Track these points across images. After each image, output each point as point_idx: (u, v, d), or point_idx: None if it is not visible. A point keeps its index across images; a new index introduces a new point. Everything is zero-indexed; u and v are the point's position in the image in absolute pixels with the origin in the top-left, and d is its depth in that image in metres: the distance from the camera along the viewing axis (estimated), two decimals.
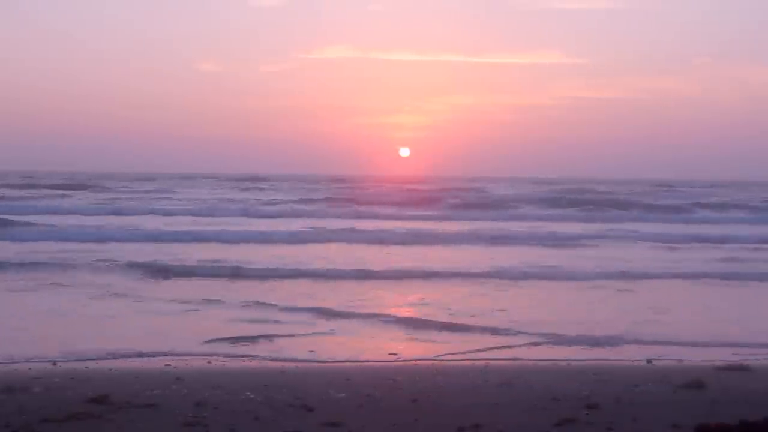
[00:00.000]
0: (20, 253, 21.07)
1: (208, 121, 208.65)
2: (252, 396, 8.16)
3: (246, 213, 39.70)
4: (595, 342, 11.68)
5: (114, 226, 29.55)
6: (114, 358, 10.21)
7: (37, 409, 7.42)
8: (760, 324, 13.72)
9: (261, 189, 69.38)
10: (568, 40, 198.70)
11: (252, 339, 11.51)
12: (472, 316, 13.61)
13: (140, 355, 10.42)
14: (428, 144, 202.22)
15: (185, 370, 9.53)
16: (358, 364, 10.18)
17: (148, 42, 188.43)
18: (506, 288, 17.17)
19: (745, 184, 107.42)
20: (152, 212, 38.75)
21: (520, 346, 11.39)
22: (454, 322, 13.00)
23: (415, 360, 10.52)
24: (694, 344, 11.66)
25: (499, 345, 11.43)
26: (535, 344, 11.52)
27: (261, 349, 11.02)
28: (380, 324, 12.95)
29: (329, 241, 27.01)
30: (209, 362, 10.13)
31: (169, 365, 9.81)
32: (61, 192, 56.45)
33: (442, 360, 10.50)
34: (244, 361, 10.32)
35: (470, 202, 49.27)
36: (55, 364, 9.78)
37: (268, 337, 11.66)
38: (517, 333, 12.18)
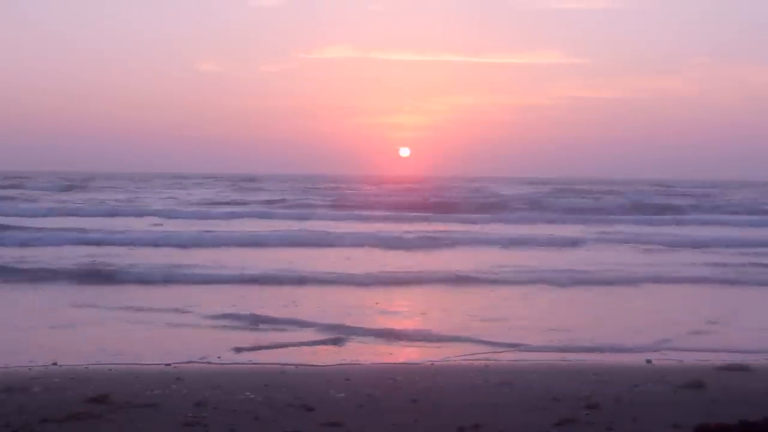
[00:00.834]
0: None
1: (208, 121, 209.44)
2: (252, 396, 8.16)
3: (199, 214, 38.70)
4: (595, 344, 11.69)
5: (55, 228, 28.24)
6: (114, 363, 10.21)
7: (37, 409, 7.42)
8: (746, 326, 13.70)
9: (249, 189, 68.82)
10: (567, 40, 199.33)
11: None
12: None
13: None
14: (428, 144, 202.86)
15: (185, 370, 9.52)
16: (359, 364, 10.17)
17: (148, 42, 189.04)
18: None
19: (745, 184, 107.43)
20: (113, 214, 38.30)
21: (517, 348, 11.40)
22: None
23: (415, 360, 10.53)
24: (694, 344, 11.67)
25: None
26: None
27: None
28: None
29: (287, 244, 25.47)
30: (209, 362, 10.13)
31: (169, 365, 9.80)
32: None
33: (442, 360, 10.50)
34: (244, 361, 10.31)
35: (450, 202, 48.32)
36: (55, 363, 9.78)
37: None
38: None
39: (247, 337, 11.60)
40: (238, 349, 10.78)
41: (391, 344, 11.49)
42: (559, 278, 17.96)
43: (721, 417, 6.98)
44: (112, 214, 38.22)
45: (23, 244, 23.96)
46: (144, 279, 17.38)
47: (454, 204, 47.23)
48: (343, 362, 10.22)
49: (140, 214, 38.54)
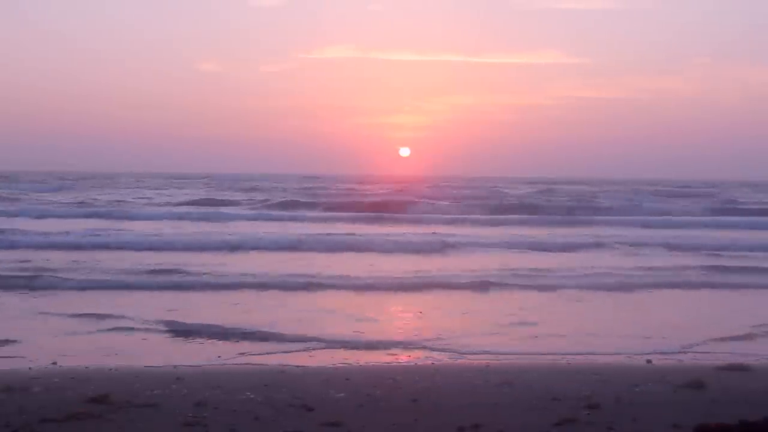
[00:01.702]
0: None
1: (208, 121, 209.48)
2: (252, 396, 8.16)
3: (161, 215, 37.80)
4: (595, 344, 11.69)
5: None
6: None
7: (37, 409, 7.42)
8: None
9: (241, 190, 67.40)
10: (568, 40, 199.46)
11: None
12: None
13: None
14: (428, 144, 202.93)
15: (185, 370, 9.52)
16: (358, 364, 10.17)
17: (148, 42, 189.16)
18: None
19: (746, 184, 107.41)
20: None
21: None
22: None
23: (416, 360, 10.53)
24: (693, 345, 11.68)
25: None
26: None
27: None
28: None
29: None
30: (209, 362, 10.13)
31: (169, 365, 9.80)
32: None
33: (442, 360, 10.50)
34: (243, 361, 10.32)
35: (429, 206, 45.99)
36: (55, 363, 9.79)
37: None
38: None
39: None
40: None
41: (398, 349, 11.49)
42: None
43: (721, 417, 6.98)
44: (43, 215, 36.95)
45: None
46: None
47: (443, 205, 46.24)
48: (344, 362, 10.22)
49: (89, 215, 37.23)
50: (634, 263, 21.44)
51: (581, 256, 23.56)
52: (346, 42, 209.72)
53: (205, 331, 12.07)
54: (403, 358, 10.70)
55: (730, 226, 35.48)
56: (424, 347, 11.26)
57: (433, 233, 28.77)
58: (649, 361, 10.53)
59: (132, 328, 12.22)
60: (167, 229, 29.63)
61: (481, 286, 16.98)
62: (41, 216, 36.64)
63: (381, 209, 42.41)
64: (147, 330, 12.15)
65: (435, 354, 10.85)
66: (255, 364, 10.05)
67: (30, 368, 9.49)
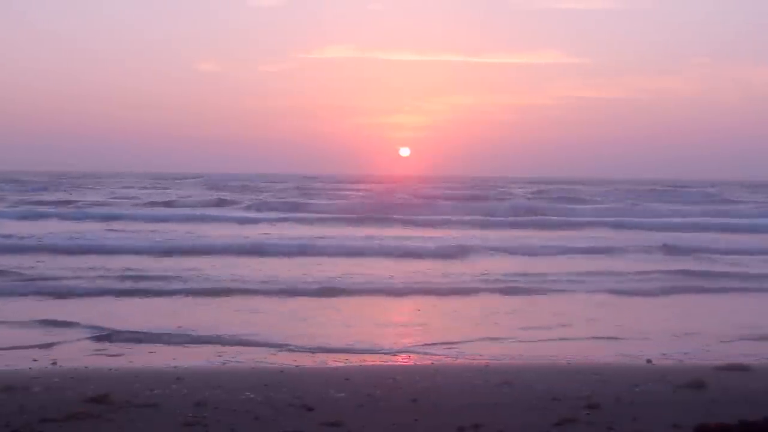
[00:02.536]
0: None
1: (207, 121, 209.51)
2: (252, 396, 8.16)
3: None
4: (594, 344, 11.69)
5: None
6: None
7: (37, 409, 7.42)
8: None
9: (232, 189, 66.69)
10: (568, 40, 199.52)
11: None
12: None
13: None
14: (428, 144, 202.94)
15: (185, 370, 9.52)
16: (358, 364, 10.17)
17: (147, 42, 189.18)
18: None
19: (746, 184, 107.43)
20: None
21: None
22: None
23: (415, 360, 10.53)
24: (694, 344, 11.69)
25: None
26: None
27: None
28: None
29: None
30: (209, 362, 10.13)
31: (169, 365, 9.80)
32: None
33: (442, 360, 10.50)
34: (243, 361, 10.32)
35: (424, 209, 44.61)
36: (55, 363, 9.79)
37: None
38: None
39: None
40: None
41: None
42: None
43: (721, 417, 6.98)
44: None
45: None
46: None
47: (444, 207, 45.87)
48: (343, 362, 10.22)
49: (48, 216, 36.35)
50: (635, 266, 21.41)
51: (582, 257, 23.56)
52: (345, 42, 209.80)
53: (204, 334, 12.06)
54: (403, 358, 10.71)
55: (729, 229, 35.36)
56: (424, 347, 11.26)
57: (432, 237, 28.67)
58: (649, 361, 10.53)
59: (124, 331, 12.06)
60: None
61: (474, 290, 16.84)
62: (22, 217, 35.63)
63: (381, 210, 42.33)
64: (146, 332, 12.13)
65: (435, 354, 10.86)
66: (255, 364, 10.05)
67: (30, 368, 9.50)
